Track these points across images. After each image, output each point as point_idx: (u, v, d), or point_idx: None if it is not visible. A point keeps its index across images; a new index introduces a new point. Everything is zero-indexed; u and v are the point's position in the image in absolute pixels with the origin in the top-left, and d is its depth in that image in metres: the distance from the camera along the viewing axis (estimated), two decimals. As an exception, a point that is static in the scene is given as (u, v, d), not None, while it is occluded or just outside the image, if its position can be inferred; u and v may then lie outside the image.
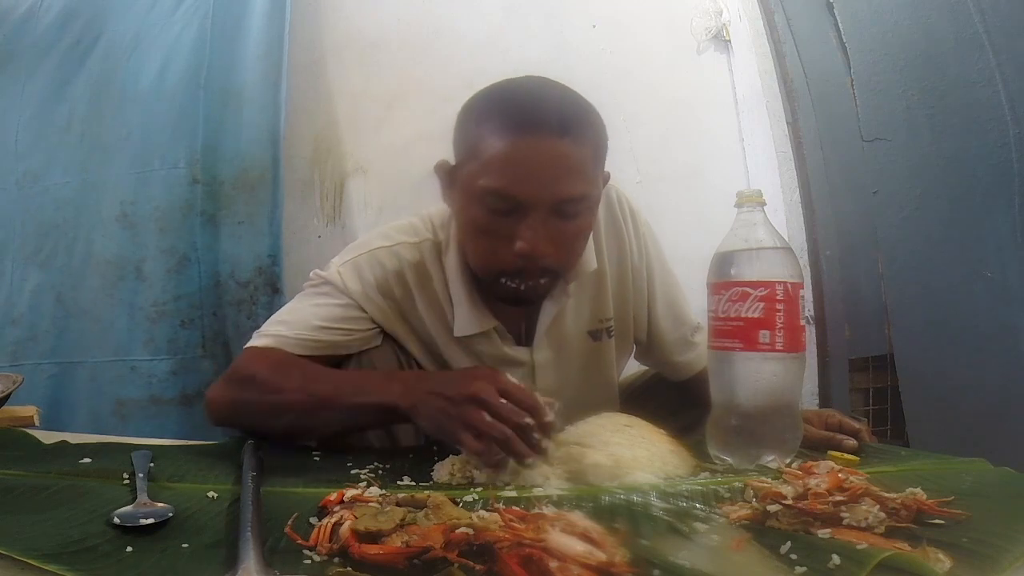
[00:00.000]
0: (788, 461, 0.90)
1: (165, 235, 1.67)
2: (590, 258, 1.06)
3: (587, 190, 0.91)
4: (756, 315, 0.87)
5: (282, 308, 1.07)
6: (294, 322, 1.02)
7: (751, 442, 0.90)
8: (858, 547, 0.65)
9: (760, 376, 0.89)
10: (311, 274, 1.07)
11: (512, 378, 0.84)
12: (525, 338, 1.09)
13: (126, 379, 1.64)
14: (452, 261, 1.03)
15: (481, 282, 1.01)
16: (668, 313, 1.16)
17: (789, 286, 0.88)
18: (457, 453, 0.95)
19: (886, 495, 0.76)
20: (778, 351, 0.88)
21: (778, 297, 0.87)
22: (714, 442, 0.94)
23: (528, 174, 0.87)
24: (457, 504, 0.75)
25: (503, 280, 0.95)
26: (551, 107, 0.90)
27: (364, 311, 1.03)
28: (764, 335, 0.87)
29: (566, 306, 1.07)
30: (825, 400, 1.69)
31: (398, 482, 0.88)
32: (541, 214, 0.89)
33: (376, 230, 1.11)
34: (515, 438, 0.79)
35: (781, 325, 0.87)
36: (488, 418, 0.80)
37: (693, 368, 1.18)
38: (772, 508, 0.75)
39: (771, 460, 0.89)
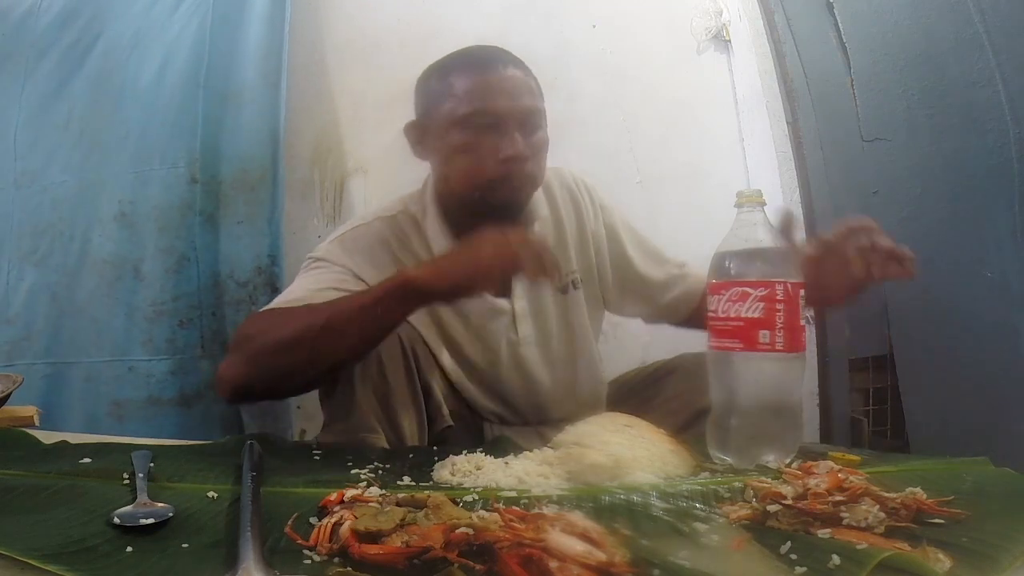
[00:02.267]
0: (788, 461, 0.89)
1: (164, 234, 1.66)
2: (541, 205, 1.19)
3: (540, 105, 1.11)
4: (756, 315, 0.87)
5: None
6: (294, 290, 1.08)
7: (751, 442, 0.90)
8: (858, 547, 0.66)
9: (760, 376, 0.89)
10: (305, 259, 1.14)
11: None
12: (504, 293, 1.18)
13: (124, 379, 1.62)
14: (432, 223, 1.15)
15: (462, 226, 1.11)
16: (645, 258, 1.25)
17: (789, 286, 0.88)
18: (458, 452, 0.95)
19: (886, 495, 0.76)
20: (778, 351, 0.88)
21: (778, 297, 0.87)
22: (714, 442, 0.94)
23: (499, 93, 1.07)
24: (457, 504, 0.75)
25: (489, 193, 1.08)
26: (495, 52, 1.12)
27: (360, 278, 1.09)
28: (764, 335, 0.87)
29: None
30: (825, 400, 1.69)
31: (398, 482, 0.88)
32: (513, 128, 1.06)
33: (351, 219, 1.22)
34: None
35: (781, 325, 0.87)
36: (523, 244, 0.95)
37: (691, 300, 1.22)
38: (772, 508, 0.75)
39: (771, 460, 0.89)
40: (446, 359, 1.18)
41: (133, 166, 1.68)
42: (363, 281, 1.09)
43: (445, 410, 1.12)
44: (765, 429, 0.89)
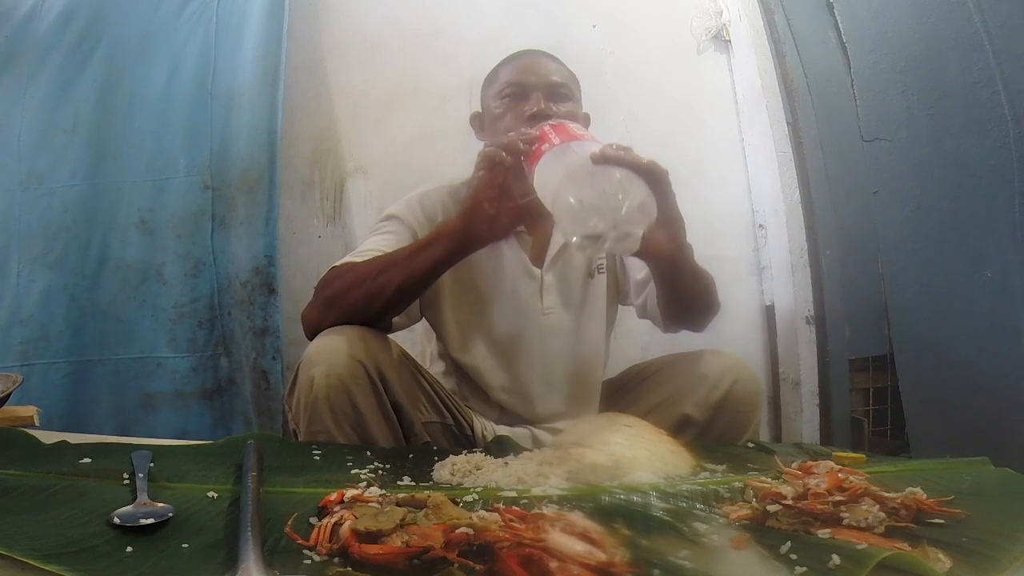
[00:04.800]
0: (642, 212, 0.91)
1: (182, 241, 1.72)
2: None
3: (569, 82, 1.28)
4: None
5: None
6: (367, 244, 1.24)
7: (593, 206, 0.89)
8: (858, 547, 0.66)
9: (559, 164, 0.96)
10: (381, 215, 1.31)
11: None
12: (539, 264, 1.31)
13: (153, 374, 1.71)
14: None
15: None
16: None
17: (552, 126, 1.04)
18: (457, 453, 0.95)
19: (886, 495, 0.76)
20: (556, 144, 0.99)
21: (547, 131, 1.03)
22: (565, 225, 0.93)
23: (529, 70, 1.27)
24: (457, 504, 0.75)
25: None
26: (535, 50, 1.33)
27: (416, 233, 1.25)
28: (545, 147, 1.00)
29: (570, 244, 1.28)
30: (825, 400, 1.69)
31: (398, 482, 0.88)
32: (541, 94, 1.23)
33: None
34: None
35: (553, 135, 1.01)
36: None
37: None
38: (772, 508, 0.75)
39: (627, 221, 0.90)
40: (474, 340, 1.29)
41: (149, 174, 1.73)
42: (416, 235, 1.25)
43: (419, 428, 1.16)
44: (595, 185, 0.90)
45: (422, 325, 1.41)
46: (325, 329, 1.11)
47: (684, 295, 1.19)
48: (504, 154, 1.05)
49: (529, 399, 1.30)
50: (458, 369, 1.32)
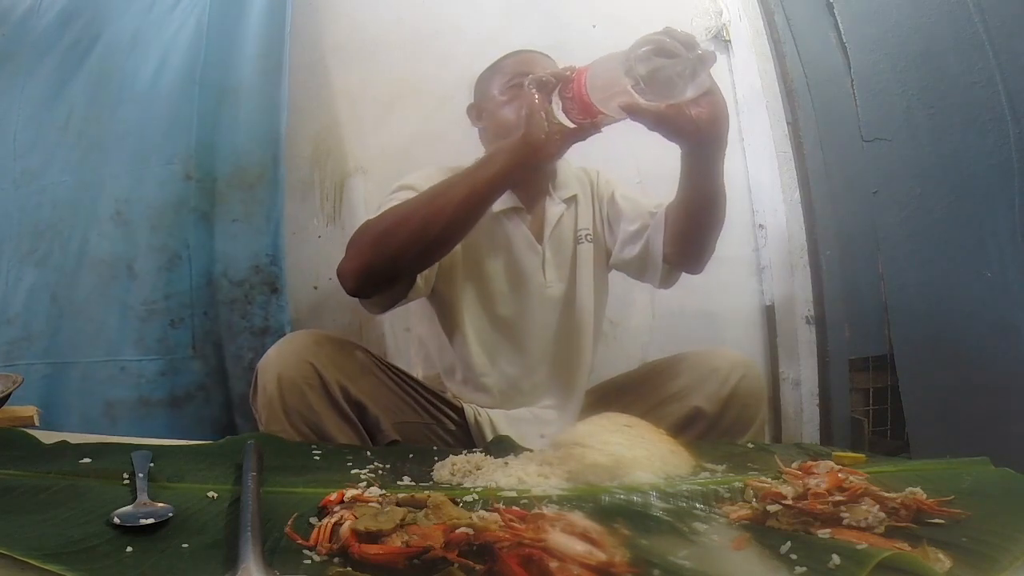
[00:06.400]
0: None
1: (157, 233, 1.64)
2: (573, 185, 1.41)
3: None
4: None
5: None
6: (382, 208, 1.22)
7: (664, 46, 1.01)
8: (858, 547, 0.66)
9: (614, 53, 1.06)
10: (393, 187, 1.31)
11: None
12: (538, 240, 1.37)
13: (116, 380, 1.61)
14: None
15: None
16: (628, 201, 1.39)
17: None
18: (458, 453, 0.95)
19: (886, 495, 0.76)
20: None
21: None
22: (637, 61, 1.01)
23: (534, 62, 1.31)
24: (457, 504, 0.75)
25: None
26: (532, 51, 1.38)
27: None
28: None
29: (563, 218, 1.38)
30: (825, 400, 1.69)
31: (398, 482, 0.88)
32: None
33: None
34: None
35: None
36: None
37: (659, 238, 1.29)
38: (772, 508, 0.75)
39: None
40: (478, 316, 1.34)
41: (130, 165, 1.67)
42: None
43: (386, 426, 1.17)
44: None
45: (417, 318, 1.43)
46: (371, 279, 1.14)
47: (706, 201, 1.16)
48: (551, 76, 1.10)
49: (529, 371, 1.34)
50: (457, 348, 1.33)
